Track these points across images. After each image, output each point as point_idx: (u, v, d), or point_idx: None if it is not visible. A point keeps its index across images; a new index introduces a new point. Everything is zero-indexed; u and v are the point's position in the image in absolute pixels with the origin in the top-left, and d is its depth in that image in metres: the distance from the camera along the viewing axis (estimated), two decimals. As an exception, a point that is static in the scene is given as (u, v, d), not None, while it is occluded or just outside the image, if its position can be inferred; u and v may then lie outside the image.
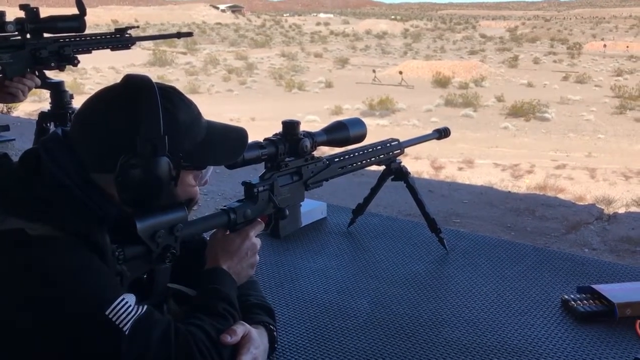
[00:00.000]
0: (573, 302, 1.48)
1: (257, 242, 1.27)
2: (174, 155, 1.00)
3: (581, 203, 6.80)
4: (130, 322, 0.93)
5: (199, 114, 1.10)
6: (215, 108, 17.74)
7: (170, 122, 1.01)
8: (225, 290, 1.16)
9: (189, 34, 2.78)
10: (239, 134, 1.16)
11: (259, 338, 1.14)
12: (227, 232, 1.24)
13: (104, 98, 1.05)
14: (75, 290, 0.91)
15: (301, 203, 1.42)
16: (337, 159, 1.50)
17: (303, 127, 1.39)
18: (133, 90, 1.01)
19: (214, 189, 6.01)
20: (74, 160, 1.01)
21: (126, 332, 0.92)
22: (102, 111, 1.02)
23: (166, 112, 1.00)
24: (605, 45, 50.78)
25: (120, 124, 0.99)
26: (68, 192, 0.99)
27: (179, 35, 2.68)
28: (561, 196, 7.46)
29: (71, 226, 0.95)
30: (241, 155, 1.18)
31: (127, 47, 2.42)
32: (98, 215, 0.99)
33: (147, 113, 0.97)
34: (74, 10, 2.18)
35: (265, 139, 1.30)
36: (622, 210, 6.66)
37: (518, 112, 21.24)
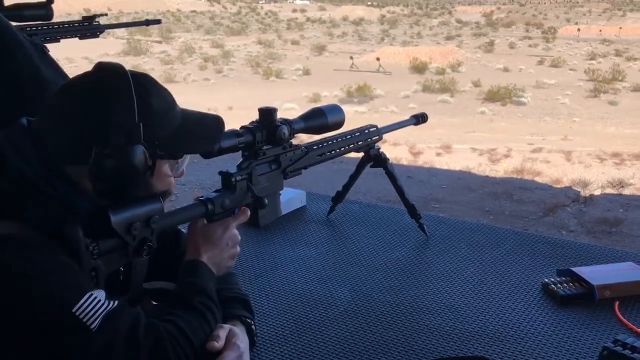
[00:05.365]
0: (553, 286, 1.49)
1: (237, 233, 1.24)
2: (150, 144, 0.97)
3: (558, 186, 6.90)
4: (100, 318, 0.90)
5: (173, 101, 1.08)
6: (191, 97, 17.54)
7: (144, 110, 0.98)
8: (202, 283, 1.13)
9: (158, 21, 2.77)
10: (215, 121, 1.14)
11: (241, 333, 1.13)
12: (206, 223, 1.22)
13: (75, 87, 1.01)
14: (41, 292, 0.88)
15: (280, 192, 1.40)
16: (316, 147, 1.48)
17: (281, 115, 1.36)
18: (105, 78, 0.98)
19: (192, 179, 5.95)
20: (39, 152, 0.97)
21: (94, 329, 0.89)
22: (73, 101, 0.99)
23: (140, 100, 0.97)
24: (579, 30, 51.21)
25: (92, 114, 0.96)
26: (32, 185, 0.95)
27: (147, 22, 2.66)
28: (538, 179, 7.56)
29: (35, 220, 0.92)
30: (218, 142, 1.16)
31: (96, 35, 2.38)
32: (66, 208, 0.95)
33: (120, 101, 0.95)
34: (41, -2, 2.12)
35: (242, 127, 1.27)
36: (597, 192, 6.77)
37: (494, 96, 21.36)
